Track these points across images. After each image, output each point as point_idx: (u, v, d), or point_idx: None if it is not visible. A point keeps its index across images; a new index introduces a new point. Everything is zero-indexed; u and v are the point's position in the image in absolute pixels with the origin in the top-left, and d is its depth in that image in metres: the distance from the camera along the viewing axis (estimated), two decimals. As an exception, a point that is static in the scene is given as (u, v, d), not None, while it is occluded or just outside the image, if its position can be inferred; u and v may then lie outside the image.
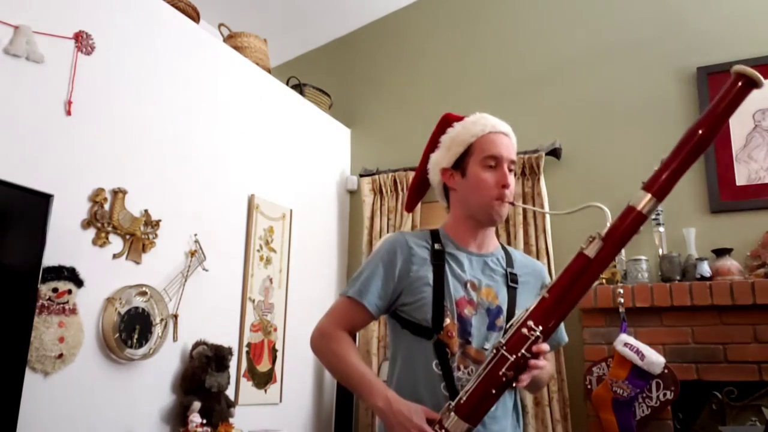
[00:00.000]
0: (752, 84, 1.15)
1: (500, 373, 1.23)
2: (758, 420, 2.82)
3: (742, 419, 2.87)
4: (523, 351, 1.22)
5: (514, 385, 1.25)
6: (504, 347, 1.24)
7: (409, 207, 1.73)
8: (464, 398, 1.24)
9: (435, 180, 1.56)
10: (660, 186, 1.20)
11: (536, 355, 1.24)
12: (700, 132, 1.17)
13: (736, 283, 2.83)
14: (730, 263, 2.94)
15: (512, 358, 1.22)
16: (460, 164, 1.49)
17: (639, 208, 1.21)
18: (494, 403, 1.26)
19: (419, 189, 1.65)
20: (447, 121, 1.55)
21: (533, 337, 1.23)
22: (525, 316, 1.26)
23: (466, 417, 1.23)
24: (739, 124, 3.20)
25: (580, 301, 1.28)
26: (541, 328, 1.23)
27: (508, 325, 1.31)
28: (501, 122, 1.52)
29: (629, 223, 1.22)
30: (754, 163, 3.15)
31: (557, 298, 1.24)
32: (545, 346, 1.25)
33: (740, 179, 3.15)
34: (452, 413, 1.24)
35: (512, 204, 1.46)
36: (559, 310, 1.25)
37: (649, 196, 1.21)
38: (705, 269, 2.94)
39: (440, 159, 1.53)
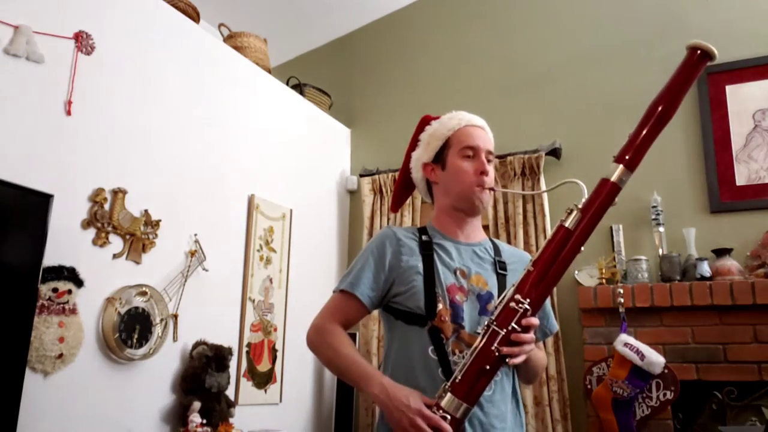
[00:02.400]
0: (706, 56, 1.25)
1: (492, 348, 1.24)
2: (758, 420, 2.82)
3: (742, 419, 2.87)
4: (513, 324, 1.25)
5: (507, 361, 1.26)
6: (494, 322, 1.27)
7: (395, 207, 1.76)
8: (459, 377, 1.25)
9: (418, 177, 1.61)
10: (630, 158, 1.28)
11: (527, 329, 1.26)
12: (661, 106, 1.28)
13: (736, 283, 2.83)
14: (730, 263, 2.94)
15: (503, 332, 1.25)
16: (439, 157, 1.55)
17: (613, 179, 1.29)
18: (490, 380, 1.27)
19: (404, 188, 1.70)
20: (425, 121, 1.62)
21: (522, 310, 1.26)
22: (512, 291, 1.29)
23: (463, 396, 1.24)
24: (739, 124, 3.19)
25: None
26: (528, 300, 1.26)
27: (497, 302, 1.33)
28: (476, 117, 1.58)
29: (605, 195, 1.29)
30: (754, 163, 3.15)
31: (542, 271, 1.28)
32: (534, 320, 1.28)
33: (740, 179, 3.15)
34: (449, 393, 1.25)
35: (492, 190, 1.50)
36: (545, 281, 1.28)
37: (621, 167, 1.28)
38: (705, 269, 2.95)
39: (421, 155, 1.59)
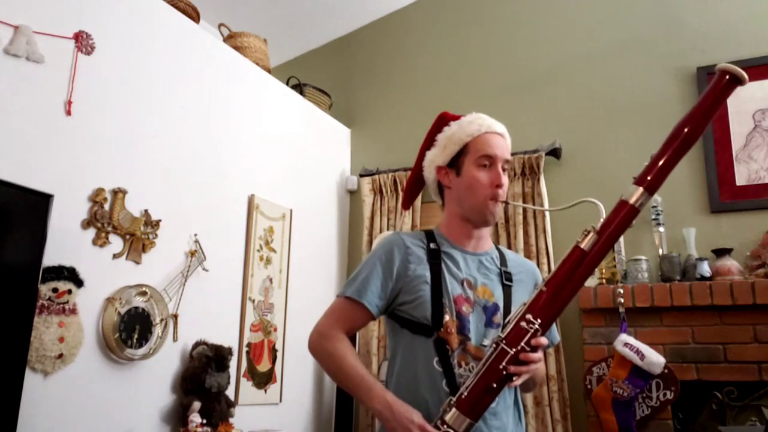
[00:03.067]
0: (736, 81, 1.20)
1: (500, 366, 1.24)
2: (758, 420, 2.82)
3: (742, 419, 2.87)
4: (522, 344, 1.25)
5: (513, 380, 1.26)
6: (503, 341, 1.26)
7: (406, 204, 1.74)
8: (465, 393, 1.25)
9: (430, 177, 1.58)
10: (651, 180, 1.24)
11: (535, 349, 1.26)
12: (687, 128, 1.23)
13: (736, 283, 2.83)
14: (730, 263, 2.94)
15: (512, 352, 1.24)
16: (455, 163, 1.51)
17: (632, 202, 1.25)
18: (495, 397, 1.27)
19: (415, 186, 1.67)
20: (443, 120, 1.57)
21: (532, 330, 1.25)
22: (523, 309, 1.28)
23: (467, 412, 1.24)
24: (739, 124, 3.19)
25: (577, 297, 1.30)
26: (539, 321, 1.26)
27: (506, 320, 1.33)
28: (496, 122, 1.54)
29: (622, 217, 1.26)
30: (754, 163, 3.15)
31: (555, 291, 1.27)
32: (543, 340, 1.27)
33: (740, 179, 3.15)
34: (453, 408, 1.25)
35: (505, 203, 1.48)
36: (557, 302, 1.28)
37: (641, 190, 1.25)
38: (705, 269, 2.95)
39: (436, 157, 1.55)
